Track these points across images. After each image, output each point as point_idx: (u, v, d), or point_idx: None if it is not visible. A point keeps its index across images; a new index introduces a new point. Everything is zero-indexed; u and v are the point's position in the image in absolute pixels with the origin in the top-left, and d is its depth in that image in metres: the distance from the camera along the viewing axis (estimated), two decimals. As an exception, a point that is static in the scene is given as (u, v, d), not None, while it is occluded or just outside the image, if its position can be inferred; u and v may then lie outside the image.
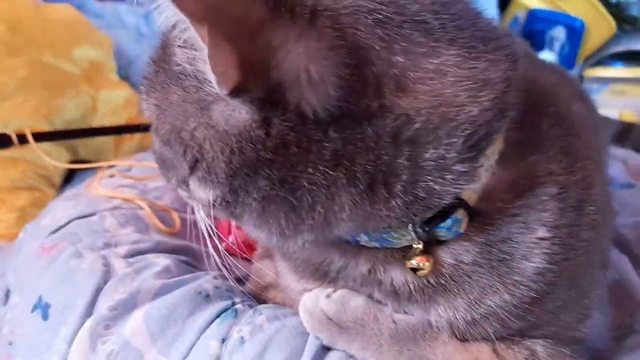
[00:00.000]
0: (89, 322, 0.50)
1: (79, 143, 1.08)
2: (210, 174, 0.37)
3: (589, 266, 0.46)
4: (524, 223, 0.41)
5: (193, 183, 0.40)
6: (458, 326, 0.44)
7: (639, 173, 1.08)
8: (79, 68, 1.13)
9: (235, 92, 0.33)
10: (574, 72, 1.90)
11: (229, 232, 0.74)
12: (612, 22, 1.83)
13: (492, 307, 0.42)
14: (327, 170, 0.35)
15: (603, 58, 1.90)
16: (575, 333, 0.48)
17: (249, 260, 0.71)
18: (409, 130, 0.35)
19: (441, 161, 0.36)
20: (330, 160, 0.35)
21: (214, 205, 0.40)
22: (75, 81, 1.09)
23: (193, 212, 0.68)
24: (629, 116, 1.73)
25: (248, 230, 0.42)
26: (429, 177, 0.37)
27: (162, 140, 0.40)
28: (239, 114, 0.35)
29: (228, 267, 0.51)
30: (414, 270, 0.42)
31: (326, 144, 0.35)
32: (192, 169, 0.38)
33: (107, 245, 0.58)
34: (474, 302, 0.42)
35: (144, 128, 1.15)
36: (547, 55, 1.86)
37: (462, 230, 0.41)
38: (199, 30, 0.31)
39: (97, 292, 0.52)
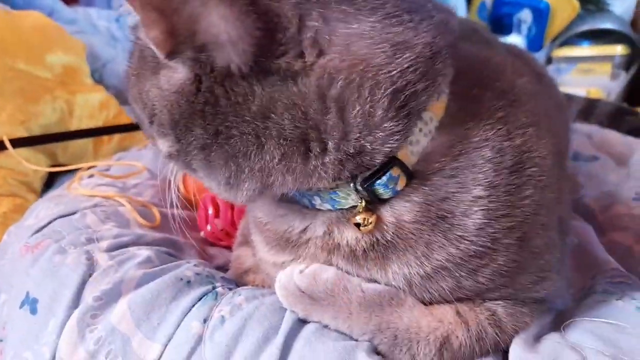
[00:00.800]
0: (76, 313, 0.52)
1: (58, 148, 1.09)
2: (161, 126, 0.44)
3: (541, 228, 0.49)
4: (460, 183, 0.45)
5: (156, 137, 0.46)
6: (414, 282, 0.48)
7: (603, 146, 1.13)
8: (53, 73, 1.14)
9: (171, 55, 0.40)
10: (542, 53, 1.95)
11: (207, 222, 0.76)
12: (576, 3, 1.88)
13: (442, 262, 0.46)
14: (255, 122, 0.41)
15: (569, 38, 1.95)
16: (534, 294, 0.51)
17: (228, 248, 0.74)
18: (334, 88, 0.40)
19: (369, 118, 0.41)
20: (257, 113, 0.41)
21: (169, 155, 0.46)
22: (49, 86, 1.10)
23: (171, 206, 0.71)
24: (596, 93, 1.78)
25: (204, 182, 0.47)
26: (359, 134, 0.41)
27: (132, 99, 0.47)
28: (176, 74, 0.41)
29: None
30: (358, 226, 0.46)
31: (252, 98, 0.40)
32: (151, 123, 0.45)
33: (90, 240, 0.60)
34: (422, 257, 0.46)
35: (121, 129, 1.17)
36: (515, 38, 1.91)
37: (399, 189, 0.45)
38: (132, 4, 0.37)
39: (82, 284, 0.55)
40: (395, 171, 0.44)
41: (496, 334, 0.48)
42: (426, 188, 0.45)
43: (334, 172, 0.43)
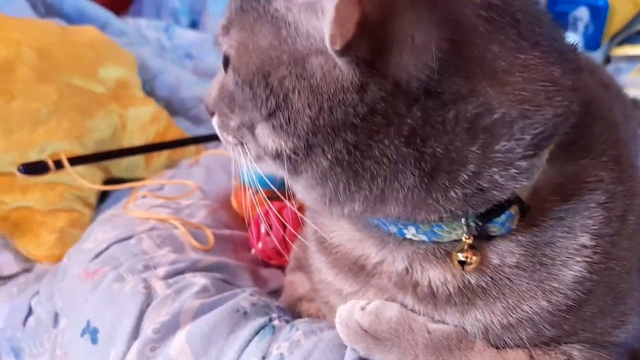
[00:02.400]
0: (136, 345, 0.52)
1: (111, 162, 1.11)
2: (290, 124, 0.38)
3: (625, 273, 0.46)
4: (568, 228, 0.42)
5: (263, 129, 0.40)
6: (493, 331, 0.44)
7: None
8: (106, 88, 1.16)
9: (345, 50, 0.34)
10: (600, 52, 1.85)
11: (258, 240, 0.75)
12: (637, -1, 1.77)
13: (528, 313, 0.43)
14: (400, 146, 0.36)
15: (630, 36, 1.84)
16: (612, 338, 0.48)
17: (280, 268, 0.72)
18: (488, 119, 0.36)
19: (509, 155, 0.37)
20: (406, 137, 0.36)
21: (278, 156, 0.40)
22: (103, 101, 1.12)
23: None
24: (660, 95, 1.67)
25: (298, 189, 0.42)
26: (495, 169, 0.37)
27: (243, 79, 0.40)
28: (339, 73, 0.36)
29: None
30: (462, 264, 0.42)
31: (408, 120, 0.36)
32: (271, 115, 0.38)
33: (147, 267, 0.61)
34: (511, 307, 0.43)
35: (172, 145, 1.18)
36: (572, 37, 1.82)
37: (513, 227, 0.41)
38: None
39: (141, 314, 0.55)
40: (513, 209, 0.40)
41: (573, 381, 0.45)
42: (534, 228, 0.42)
43: (454, 207, 0.39)
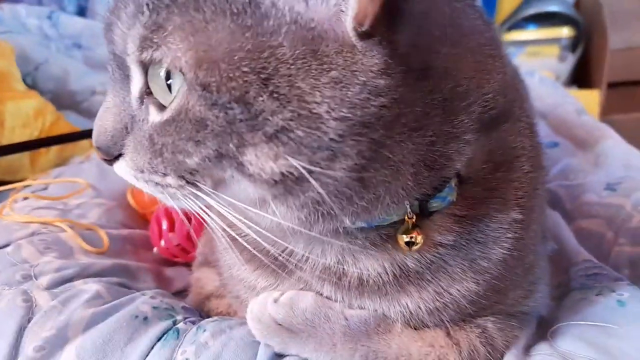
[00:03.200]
0: (14, 368, 0.45)
1: (-12, 163, 0.99)
2: (312, 134, 0.30)
3: (533, 244, 0.46)
4: (502, 199, 0.41)
5: (262, 151, 0.31)
6: (419, 315, 0.43)
7: (559, 128, 1.13)
8: (-22, 81, 1.03)
9: (372, 29, 0.29)
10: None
11: (160, 237, 0.70)
12: (523, -14, 1.90)
13: (455, 296, 0.42)
14: (406, 140, 0.33)
15: (517, 22, 1.97)
16: (523, 308, 0.48)
17: (187, 265, 0.67)
18: (455, 92, 0.35)
19: (461, 129, 0.36)
20: (412, 128, 0.33)
21: (283, 178, 0.32)
22: (-26, 96, 0.99)
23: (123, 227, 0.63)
24: (547, 76, 1.80)
25: (279, 210, 0.35)
26: (452, 145, 0.35)
27: (230, 96, 0.30)
28: (362, 58, 0.30)
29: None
30: (409, 244, 0.39)
31: (417, 108, 0.33)
32: (280, 130, 0.30)
33: (27, 277, 0.53)
34: (441, 291, 0.41)
35: (60, 139, 1.07)
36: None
37: (453, 199, 0.39)
38: None
39: (21, 332, 0.47)
40: (453, 181, 0.39)
41: (488, 352, 0.45)
42: (470, 200, 0.40)
43: (420, 191, 0.36)
